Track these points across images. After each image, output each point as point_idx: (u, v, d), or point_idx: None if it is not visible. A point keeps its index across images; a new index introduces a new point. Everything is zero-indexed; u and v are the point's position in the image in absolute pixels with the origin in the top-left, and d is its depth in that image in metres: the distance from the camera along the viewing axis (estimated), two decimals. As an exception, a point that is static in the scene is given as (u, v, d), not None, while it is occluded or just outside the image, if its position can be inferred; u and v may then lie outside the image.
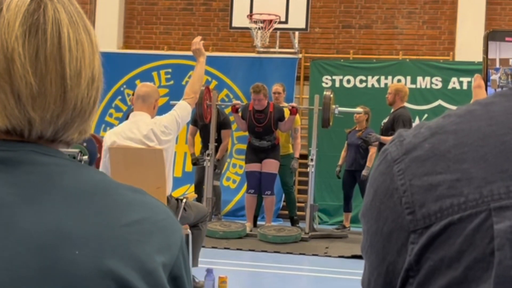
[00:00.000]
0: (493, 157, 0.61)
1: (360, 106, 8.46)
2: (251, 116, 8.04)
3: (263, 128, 8.01)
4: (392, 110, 7.87)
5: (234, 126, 8.97)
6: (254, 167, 8.18)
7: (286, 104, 8.34)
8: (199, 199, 8.08)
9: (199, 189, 8.47)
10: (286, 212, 8.95)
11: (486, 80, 0.83)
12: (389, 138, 7.72)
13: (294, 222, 8.48)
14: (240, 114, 8.22)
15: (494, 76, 0.83)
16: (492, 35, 0.82)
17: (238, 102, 8.50)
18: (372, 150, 8.34)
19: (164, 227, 0.82)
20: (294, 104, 8.41)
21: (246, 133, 8.46)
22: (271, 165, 8.12)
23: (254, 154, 8.17)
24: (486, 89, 0.83)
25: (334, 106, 7.97)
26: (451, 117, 0.66)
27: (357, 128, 8.63)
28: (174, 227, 0.84)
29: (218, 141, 8.43)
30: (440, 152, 0.63)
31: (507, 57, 0.83)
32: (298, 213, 8.64)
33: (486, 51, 0.82)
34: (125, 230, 0.78)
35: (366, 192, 0.69)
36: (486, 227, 0.59)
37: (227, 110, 8.72)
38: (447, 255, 0.60)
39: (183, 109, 4.74)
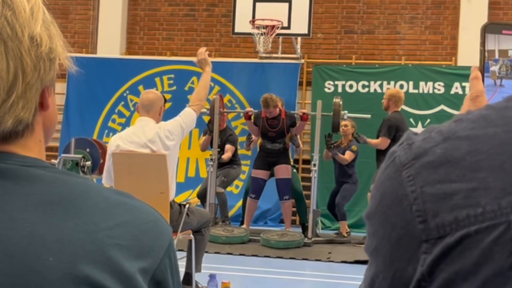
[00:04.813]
0: (511, 166, 0.59)
1: (350, 120, 8.40)
2: (264, 123, 8.25)
3: (276, 133, 8.23)
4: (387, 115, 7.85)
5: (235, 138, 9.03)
6: (261, 174, 8.32)
7: (296, 111, 8.63)
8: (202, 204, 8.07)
9: (205, 196, 8.37)
10: (293, 218, 8.86)
11: (483, 71, 0.83)
12: (374, 140, 7.74)
13: (305, 229, 8.22)
14: (252, 120, 8.38)
15: (493, 67, 0.83)
16: (489, 28, 0.82)
17: (251, 109, 8.57)
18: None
19: (149, 230, 0.80)
20: (305, 110, 8.68)
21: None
22: (284, 171, 8.26)
23: (264, 160, 8.30)
24: (483, 81, 0.82)
25: (343, 112, 8.11)
26: (464, 122, 0.64)
27: (342, 142, 8.50)
28: (160, 230, 0.81)
29: (222, 153, 8.49)
30: (454, 159, 0.61)
31: (506, 48, 0.83)
32: (300, 218, 8.61)
33: (483, 43, 0.82)
34: (104, 234, 0.76)
35: (372, 194, 0.67)
36: (505, 240, 0.57)
37: (231, 118, 8.74)
38: (463, 268, 0.58)
39: (187, 116, 4.77)
